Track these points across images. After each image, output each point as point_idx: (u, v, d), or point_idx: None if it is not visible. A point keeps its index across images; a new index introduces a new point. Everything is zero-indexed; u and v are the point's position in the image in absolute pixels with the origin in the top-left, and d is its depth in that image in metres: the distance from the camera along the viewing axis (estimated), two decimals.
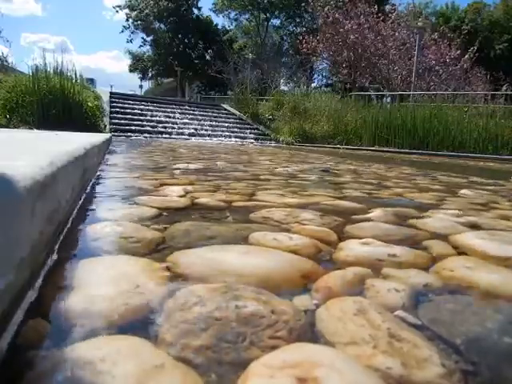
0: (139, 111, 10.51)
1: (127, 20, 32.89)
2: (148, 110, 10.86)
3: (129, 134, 8.65)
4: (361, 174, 2.74)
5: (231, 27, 35.95)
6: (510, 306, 0.56)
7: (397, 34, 15.12)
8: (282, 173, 2.50)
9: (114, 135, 6.96)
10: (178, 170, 2.31)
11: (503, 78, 16.04)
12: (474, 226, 1.06)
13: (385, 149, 8.34)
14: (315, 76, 28.95)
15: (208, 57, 32.43)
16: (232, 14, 34.47)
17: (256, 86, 17.01)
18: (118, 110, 10.07)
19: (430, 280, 0.63)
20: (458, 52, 15.55)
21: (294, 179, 2.15)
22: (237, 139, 10.17)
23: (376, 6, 15.18)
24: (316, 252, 0.76)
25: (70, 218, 0.91)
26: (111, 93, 11.85)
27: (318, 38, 16.28)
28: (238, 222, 0.99)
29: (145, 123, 9.68)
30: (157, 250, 0.73)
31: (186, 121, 10.80)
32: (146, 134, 8.95)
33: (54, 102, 6.96)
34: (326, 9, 15.64)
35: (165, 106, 11.77)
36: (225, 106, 13.88)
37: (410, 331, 0.46)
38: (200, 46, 33.02)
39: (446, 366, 0.39)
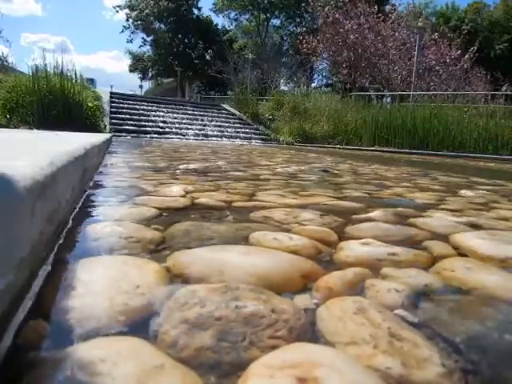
0: (139, 111, 10.52)
1: (127, 20, 32.95)
2: (148, 110, 10.87)
3: (129, 134, 8.66)
4: (361, 174, 2.74)
5: (231, 27, 36.01)
6: (510, 306, 0.56)
7: (397, 34, 15.13)
8: (282, 173, 2.50)
9: (114, 135, 6.96)
10: (178, 170, 2.31)
11: (502, 79, 16.03)
12: (474, 226, 1.06)
13: (385, 149, 8.34)
14: (315, 76, 28.98)
15: (208, 57, 32.44)
16: (232, 14, 34.53)
17: (256, 86, 17.03)
18: (118, 110, 10.07)
19: (430, 280, 0.63)
20: (458, 52, 15.55)
21: (294, 179, 2.15)
22: (237, 139, 10.17)
23: (376, 6, 15.18)
24: (316, 252, 0.76)
25: (70, 218, 0.91)
26: (111, 93, 11.85)
27: (318, 38, 16.28)
28: (238, 221, 0.99)
29: (145, 123, 9.68)
30: (157, 250, 0.73)
31: (186, 121, 10.81)
32: (146, 134, 8.95)
33: (54, 102, 6.97)
34: (326, 9, 15.64)
35: (165, 106, 11.77)
36: (225, 106, 13.88)
37: (410, 330, 0.46)
38: (200, 46, 33.03)
39: (446, 365, 0.39)
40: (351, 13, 15.01)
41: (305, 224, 0.98)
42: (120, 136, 8.12)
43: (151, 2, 31.03)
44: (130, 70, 35.98)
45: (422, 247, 0.83)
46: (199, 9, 34.10)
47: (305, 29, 28.43)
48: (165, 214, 1.04)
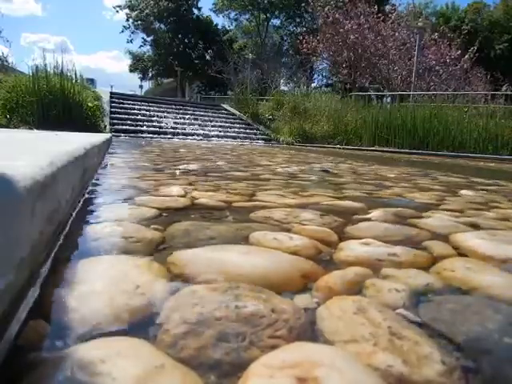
0: (139, 111, 10.52)
1: (127, 20, 32.95)
2: (148, 110, 10.87)
3: (129, 134, 8.66)
4: (361, 174, 2.74)
5: (231, 27, 36.01)
6: (511, 306, 0.56)
7: (397, 34, 15.12)
8: (282, 173, 2.50)
9: (114, 135, 6.96)
10: (178, 171, 2.31)
11: (501, 79, 16.03)
12: (475, 226, 1.06)
13: (385, 149, 8.34)
14: (315, 76, 28.97)
15: (208, 57, 32.44)
16: (232, 14, 34.54)
17: (256, 86, 17.03)
18: (118, 110, 10.07)
19: (430, 280, 0.63)
20: (458, 52, 15.55)
21: (294, 179, 2.15)
22: (237, 139, 10.17)
23: (376, 6, 15.18)
24: (316, 252, 0.76)
25: (70, 218, 0.91)
26: (111, 93, 11.85)
27: (318, 38, 16.28)
28: (238, 221, 0.99)
29: (145, 123, 9.68)
30: (157, 250, 0.73)
31: (186, 121, 10.81)
32: (146, 134, 8.95)
33: (54, 102, 6.96)
34: (326, 9, 15.64)
35: (165, 106, 11.78)
36: (225, 105, 13.88)
37: (411, 329, 0.46)
38: (200, 46, 33.03)
39: (447, 363, 0.39)
40: (351, 13, 15.01)
41: (305, 224, 0.98)
42: (120, 136, 8.13)
43: (151, 2, 31.03)
44: (130, 70, 36.00)
45: (422, 247, 0.83)
46: (199, 9, 34.14)
47: (305, 29, 28.43)
48: (165, 214, 1.04)
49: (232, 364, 0.39)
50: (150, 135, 8.99)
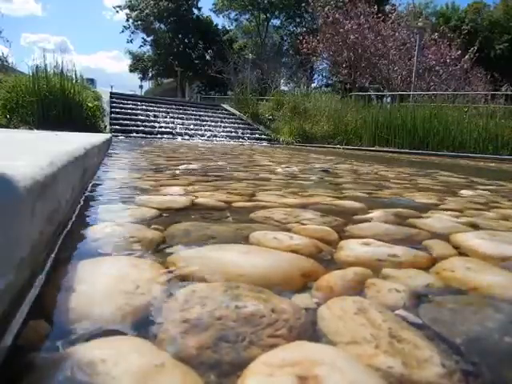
0: (139, 111, 10.52)
1: (127, 20, 32.96)
2: (148, 110, 10.87)
3: (129, 134, 8.66)
4: (361, 174, 2.74)
5: (231, 27, 36.02)
6: (511, 306, 0.56)
7: (397, 34, 15.12)
8: (282, 173, 2.50)
9: (114, 135, 6.96)
10: (178, 171, 2.31)
11: (500, 80, 16.02)
12: (475, 226, 1.06)
13: (385, 149, 8.34)
14: (315, 76, 29.00)
15: (208, 57, 32.44)
16: (232, 14, 34.55)
17: (256, 86, 17.03)
18: (118, 110, 10.07)
19: (430, 280, 0.63)
20: (459, 52, 15.55)
21: (294, 179, 2.15)
22: (237, 139, 10.17)
23: (376, 6, 15.18)
24: (316, 252, 0.76)
25: (70, 219, 0.91)
26: (111, 93, 11.85)
27: (318, 38, 16.28)
28: (239, 221, 0.99)
29: (145, 123, 9.68)
30: (157, 250, 0.73)
31: (186, 121, 10.81)
32: (146, 134, 8.95)
33: (54, 103, 6.97)
34: (326, 9, 15.64)
35: (165, 106, 11.78)
36: (225, 106, 13.88)
37: (411, 331, 0.46)
38: (200, 46, 33.03)
39: (447, 365, 0.39)
40: (351, 13, 15.01)
41: (305, 224, 0.98)
42: (120, 136, 8.12)
43: (151, 2, 31.04)
44: (130, 70, 36.01)
45: (423, 247, 0.83)
46: (199, 9, 34.16)
47: (305, 29, 28.44)
48: (165, 214, 1.04)
49: (232, 363, 0.39)
50: (150, 135, 8.99)
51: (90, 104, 7.84)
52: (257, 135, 11.04)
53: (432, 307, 0.54)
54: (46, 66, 7.29)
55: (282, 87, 22.12)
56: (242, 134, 10.81)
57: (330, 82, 27.87)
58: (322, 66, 23.90)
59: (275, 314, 0.47)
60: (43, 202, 0.57)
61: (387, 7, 20.68)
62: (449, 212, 1.27)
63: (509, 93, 10.87)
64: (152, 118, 10.20)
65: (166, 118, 10.56)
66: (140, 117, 10.08)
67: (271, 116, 12.09)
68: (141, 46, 34.64)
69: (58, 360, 0.37)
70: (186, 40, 32.40)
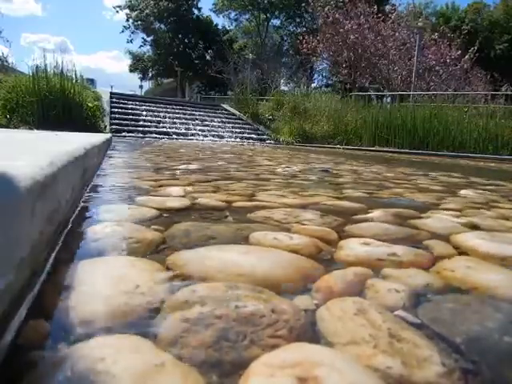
0: (139, 111, 10.52)
1: (127, 20, 32.95)
2: (148, 110, 10.87)
3: (129, 134, 8.66)
4: (361, 174, 2.74)
5: (231, 27, 36.02)
6: (511, 305, 0.56)
7: (397, 34, 15.12)
8: (282, 173, 2.50)
9: (113, 135, 6.96)
10: (178, 171, 2.31)
11: (500, 80, 16.00)
12: (475, 226, 1.06)
13: (385, 149, 8.34)
14: (315, 76, 29.01)
15: (208, 57, 32.44)
16: (232, 14, 34.56)
17: (256, 86, 17.04)
18: (118, 110, 10.08)
19: (430, 280, 0.63)
20: (458, 52, 15.54)
21: (294, 179, 2.15)
22: (237, 139, 10.17)
23: (376, 7, 15.18)
24: (316, 252, 0.76)
25: (70, 219, 0.91)
26: (111, 93, 11.86)
27: (318, 38, 16.28)
28: (238, 221, 0.99)
29: (145, 123, 9.68)
30: (157, 251, 0.73)
31: (186, 121, 10.81)
32: (146, 134, 8.95)
33: (54, 103, 6.97)
34: (326, 9, 15.63)
35: (164, 106, 11.79)
36: (225, 106, 13.89)
37: (411, 331, 0.46)
38: (200, 46, 33.03)
39: (446, 364, 0.39)
40: (351, 13, 15.01)
41: (305, 224, 0.98)
42: (120, 136, 8.12)
43: (151, 2, 31.04)
44: (130, 70, 36.00)
45: (423, 247, 0.83)
46: (199, 9, 34.15)
47: (305, 29, 28.44)
48: (165, 214, 1.04)
49: (233, 363, 0.39)
50: (150, 135, 8.99)
51: (90, 104, 7.84)
52: (257, 135, 11.04)
53: (432, 307, 0.54)
54: (46, 66, 7.30)
55: (282, 87, 22.14)
56: (241, 134, 10.81)
57: (330, 82, 27.89)
58: (321, 66, 23.94)
59: (275, 315, 0.47)
60: (43, 201, 0.57)
61: (387, 7, 20.68)
62: (449, 212, 1.27)
63: (509, 93, 10.87)
64: (152, 118, 10.20)
65: (166, 118, 10.56)
66: (140, 117, 10.08)
67: (271, 116, 12.10)
68: (141, 46, 34.69)
69: (57, 359, 0.37)
70: (185, 40, 32.40)
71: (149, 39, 33.64)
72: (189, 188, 1.52)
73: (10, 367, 0.37)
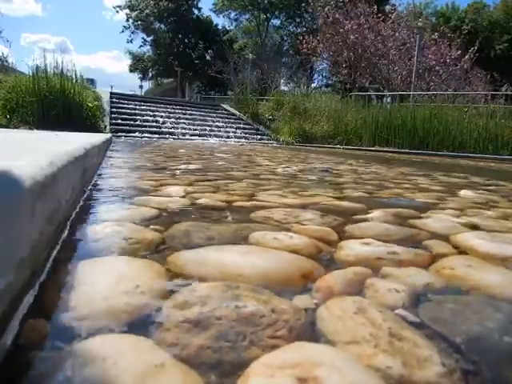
0: (139, 111, 10.52)
1: (127, 20, 32.93)
2: (148, 110, 10.87)
3: (129, 134, 8.66)
4: (361, 174, 2.74)
5: (231, 27, 36.01)
6: (511, 305, 0.56)
7: (397, 34, 15.11)
8: (282, 173, 2.50)
9: (114, 135, 6.96)
10: (178, 171, 2.31)
11: (500, 80, 15.99)
12: (474, 226, 1.06)
13: (385, 149, 8.34)
14: (315, 76, 29.00)
15: (208, 57, 32.43)
16: (232, 15, 34.55)
17: (256, 86, 17.03)
18: (118, 110, 10.07)
19: (430, 279, 0.63)
20: (458, 52, 15.54)
21: (294, 179, 2.15)
22: (236, 139, 10.17)
23: (376, 7, 15.18)
24: (316, 251, 0.76)
25: (70, 219, 0.91)
26: (111, 93, 11.86)
27: (318, 38, 16.27)
28: (238, 221, 0.99)
29: (144, 123, 9.68)
30: (157, 251, 0.73)
31: (186, 121, 10.81)
32: (146, 134, 8.95)
33: (54, 103, 6.97)
34: (326, 9, 15.63)
35: (165, 106, 11.79)
36: (225, 106, 13.89)
37: (411, 330, 0.46)
38: (200, 46, 33.02)
39: (447, 364, 0.39)
40: (351, 13, 15.00)
41: (305, 224, 0.98)
42: (120, 136, 8.12)
43: (151, 2, 31.02)
44: (130, 70, 35.99)
45: (423, 247, 0.83)
46: (199, 9, 34.12)
47: (305, 29, 28.44)
48: (165, 214, 1.04)
49: (232, 363, 0.39)
50: (150, 135, 8.99)
51: (90, 104, 7.84)
52: (257, 135, 11.04)
53: (432, 306, 0.54)
54: (46, 66, 7.30)
55: (282, 87, 22.14)
56: (241, 133, 10.81)
57: (330, 82, 27.88)
58: (321, 66, 23.93)
59: (275, 315, 0.47)
60: (43, 202, 0.57)
61: (387, 7, 20.68)
62: (449, 212, 1.27)
63: (509, 93, 10.86)
64: (152, 118, 10.20)
65: (166, 118, 10.56)
66: (140, 117, 10.08)
67: (271, 116, 12.10)
68: (141, 46, 34.65)
69: (57, 358, 0.37)
70: (185, 40, 32.39)
71: (149, 39, 33.66)
72: (189, 188, 1.52)
73: (9, 367, 0.37)
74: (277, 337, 0.43)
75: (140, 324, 0.45)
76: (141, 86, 36.24)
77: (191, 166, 2.59)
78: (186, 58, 31.14)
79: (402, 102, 10.45)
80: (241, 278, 0.59)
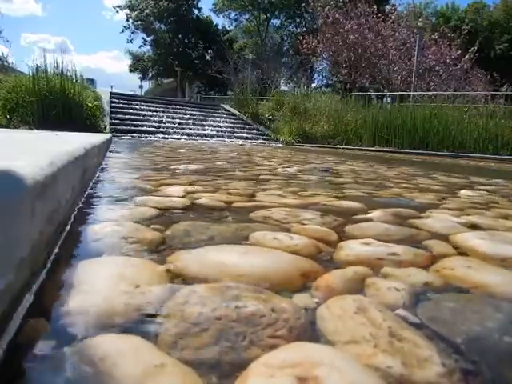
0: (139, 111, 10.52)
1: (127, 20, 32.93)
2: (148, 110, 10.87)
3: (129, 134, 8.65)
4: (361, 174, 2.74)
5: (231, 27, 36.01)
6: (511, 305, 0.56)
7: (397, 34, 15.12)
8: (282, 173, 2.50)
9: (114, 135, 6.96)
10: (178, 171, 2.31)
11: (500, 80, 15.98)
12: (474, 226, 1.06)
13: (385, 149, 8.34)
14: (315, 76, 29.00)
15: (208, 57, 32.43)
16: (232, 15, 34.55)
17: (256, 86, 17.04)
18: (118, 110, 10.08)
19: (430, 279, 0.63)
20: (458, 52, 15.54)
21: (294, 179, 2.15)
22: (237, 139, 10.17)
23: (376, 7, 15.18)
24: (316, 251, 0.76)
25: (70, 219, 0.91)
26: (111, 93, 11.86)
27: (318, 38, 16.27)
28: (238, 221, 0.99)
29: (144, 123, 9.68)
30: (157, 251, 0.73)
31: (186, 121, 10.81)
32: (146, 134, 8.95)
33: (54, 103, 6.97)
34: (326, 9, 15.63)
35: (165, 106, 11.79)
36: (225, 106, 13.88)
37: (411, 330, 0.46)
38: (200, 46, 33.02)
39: (447, 365, 0.39)
40: (351, 13, 15.01)
41: (305, 224, 0.98)
42: (120, 136, 8.12)
43: (151, 2, 31.02)
44: (130, 70, 36.00)
45: (423, 247, 0.83)
46: (199, 9, 34.13)
47: (305, 29, 28.44)
48: (165, 214, 1.04)
49: (232, 363, 0.39)
50: (150, 135, 8.99)
51: (90, 104, 7.84)
52: (257, 135, 11.04)
53: (432, 306, 0.54)
54: (46, 66, 7.30)
55: (282, 87, 22.14)
56: (241, 134, 10.81)
57: (330, 82, 27.88)
58: (321, 66, 23.94)
59: (275, 314, 0.47)
60: (43, 201, 0.57)
61: (387, 7, 20.67)
62: (449, 212, 1.27)
63: (509, 93, 10.85)
64: (152, 118, 10.20)
65: (165, 118, 10.56)
66: (140, 117, 10.08)
67: (271, 116, 12.10)
68: (141, 46, 34.65)
69: (57, 358, 0.37)
70: (185, 40, 32.38)
71: (149, 39, 33.66)
72: (189, 188, 1.52)
73: (9, 367, 0.37)
74: (277, 336, 0.43)
75: (140, 324, 0.45)
76: (141, 86, 36.26)
77: (191, 166, 2.59)
78: (185, 58, 31.14)
79: (401, 102, 10.45)
80: (241, 277, 0.59)
